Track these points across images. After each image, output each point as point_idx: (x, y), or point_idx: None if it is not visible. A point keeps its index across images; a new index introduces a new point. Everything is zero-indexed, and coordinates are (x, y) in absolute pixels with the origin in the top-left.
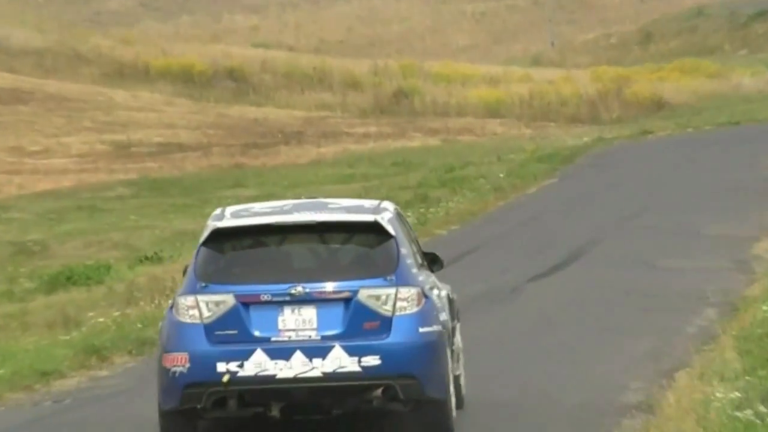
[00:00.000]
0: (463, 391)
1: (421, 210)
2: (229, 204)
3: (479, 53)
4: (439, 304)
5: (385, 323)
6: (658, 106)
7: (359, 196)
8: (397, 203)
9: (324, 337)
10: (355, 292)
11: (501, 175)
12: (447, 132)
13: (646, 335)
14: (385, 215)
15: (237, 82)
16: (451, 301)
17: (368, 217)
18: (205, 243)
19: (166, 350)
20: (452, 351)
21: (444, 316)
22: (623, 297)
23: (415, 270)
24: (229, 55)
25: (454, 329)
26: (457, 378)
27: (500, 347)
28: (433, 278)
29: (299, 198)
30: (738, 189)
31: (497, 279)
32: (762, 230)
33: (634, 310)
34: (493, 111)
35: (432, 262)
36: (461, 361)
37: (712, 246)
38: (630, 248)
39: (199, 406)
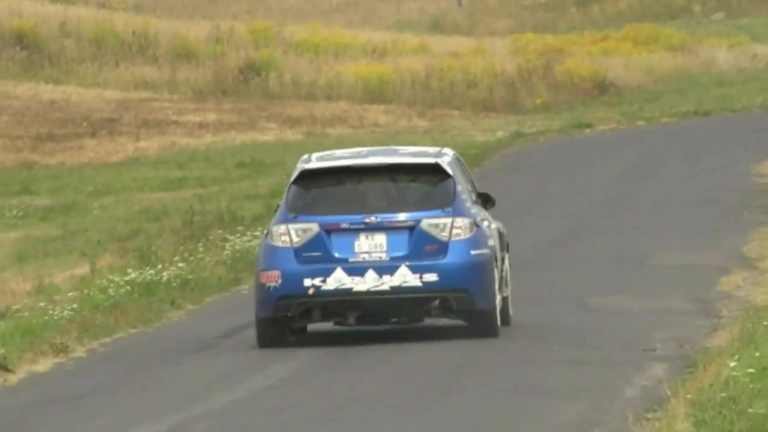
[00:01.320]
0: (510, 312)
1: None
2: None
3: (359, 14)
4: (488, 233)
5: (443, 247)
6: (601, 89)
7: (191, 207)
8: (241, 218)
9: (392, 258)
10: (418, 221)
11: None
12: (312, 122)
13: (573, 398)
14: (445, 159)
15: (27, 49)
16: (501, 234)
17: (430, 160)
18: (295, 182)
19: (262, 269)
20: (501, 275)
21: (492, 242)
22: (546, 346)
23: (468, 204)
24: (17, 12)
25: (503, 258)
26: (505, 299)
27: (379, 413)
28: (484, 213)
29: None
30: (705, 203)
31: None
32: (734, 259)
33: (559, 363)
34: (376, 94)
35: (485, 201)
36: (510, 286)
37: (667, 280)
38: (557, 281)
39: (289, 315)
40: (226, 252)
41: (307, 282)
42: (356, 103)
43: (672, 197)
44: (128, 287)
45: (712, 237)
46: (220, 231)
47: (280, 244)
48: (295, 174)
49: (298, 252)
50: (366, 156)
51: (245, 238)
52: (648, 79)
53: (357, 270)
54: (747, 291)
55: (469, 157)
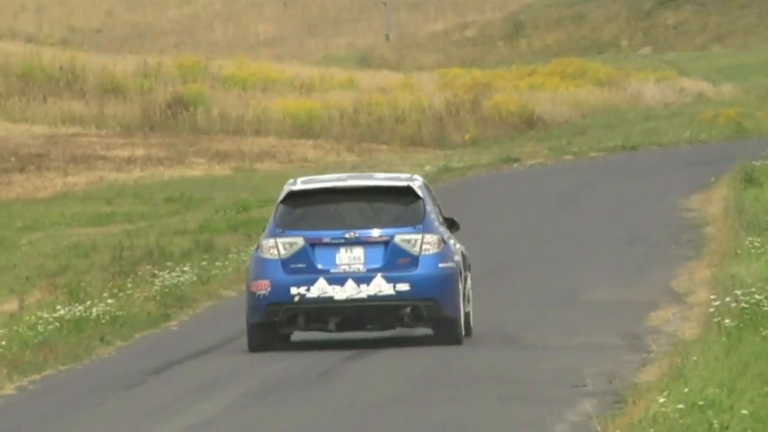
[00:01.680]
0: (472, 324)
1: (204, 263)
2: None
3: (287, 48)
4: (453, 249)
5: (414, 260)
6: (529, 123)
7: (120, 243)
8: (170, 253)
9: (369, 270)
10: (392, 237)
11: None
12: (241, 157)
13: None
14: (416, 183)
15: None
16: (463, 256)
17: (403, 183)
18: (283, 201)
19: (253, 279)
20: (464, 291)
21: (457, 258)
22: (472, 382)
23: (436, 224)
24: None
25: (466, 278)
26: (467, 314)
27: None
28: (449, 234)
29: None
30: (634, 238)
31: (305, 357)
32: (663, 294)
33: (486, 400)
34: (305, 129)
35: (451, 225)
36: (471, 302)
37: (596, 315)
38: (485, 317)
39: (276, 320)
40: (156, 288)
41: (294, 290)
42: (284, 138)
43: (601, 232)
44: (57, 324)
45: (640, 272)
46: (149, 266)
47: (269, 256)
48: (282, 194)
49: (285, 263)
50: (345, 180)
51: (174, 274)
52: (575, 113)
53: (337, 280)
54: (676, 326)
55: None
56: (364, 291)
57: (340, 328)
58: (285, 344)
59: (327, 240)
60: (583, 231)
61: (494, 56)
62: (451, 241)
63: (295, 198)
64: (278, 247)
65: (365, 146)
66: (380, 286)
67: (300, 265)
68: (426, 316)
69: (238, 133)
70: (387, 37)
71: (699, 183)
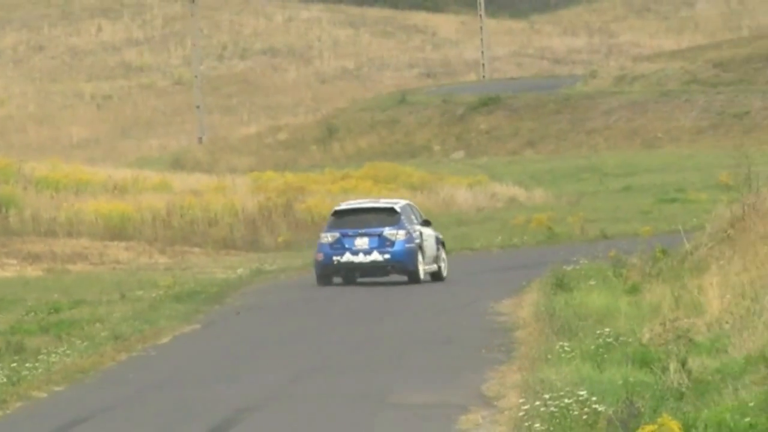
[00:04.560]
0: (444, 273)
1: (14, 365)
2: None
3: (100, 150)
4: (414, 236)
5: (392, 243)
6: None
7: None
8: None
9: (370, 248)
10: (382, 231)
11: (126, 317)
12: (53, 258)
13: None
14: (397, 205)
15: None
16: (437, 238)
17: (390, 205)
18: (332, 214)
19: (316, 252)
20: (435, 255)
21: (418, 240)
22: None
23: (407, 224)
24: None
25: (438, 248)
26: (439, 268)
27: None
28: (420, 228)
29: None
30: (445, 342)
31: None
32: (474, 397)
33: None
34: (117, 231)
35: (427, 223)
36: (445, 262)
37: (406, 418)
38: (293, 422)
39: (327, 273)
40: None
41: (334, 258)
42: (97, 240)
43: (413, 336)
44: None
45: (451, 375)
46: None
47: (324, 241)
48: (332, 211)
49: (331, 245)
50: (361, 203)
51: None
52: None
53: (355, 253)
54: (486, 429)
55: (209, 295)
56: (369, 258)
57: (360, 277)
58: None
59: (350, 234)
60: (395, 334)
61: (307, 160)
62: (416, 233)
63: (337, 213)
64: (327, 237)
65: (178, 248)
66: (376, 256)
67: (337, 246)
68: (399, 270)
69: (51, 235)
70: (200, 140)
71: (511, 287)
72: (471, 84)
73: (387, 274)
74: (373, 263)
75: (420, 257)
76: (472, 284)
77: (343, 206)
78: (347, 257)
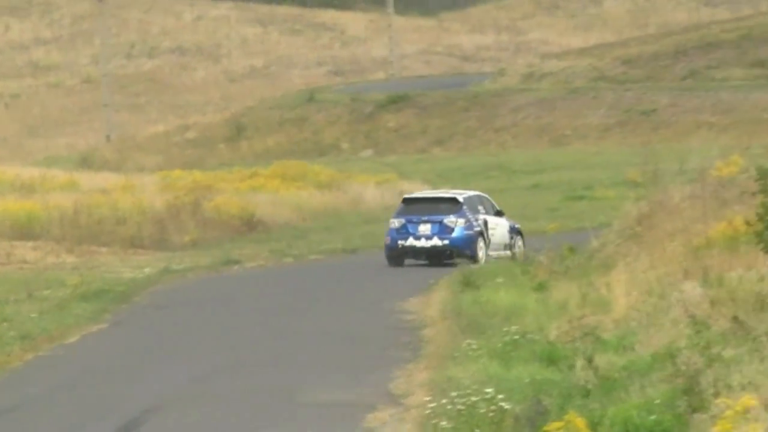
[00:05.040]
0: (519, 258)
1: None
2: None
3: (7, 149)
4: (476, 224)
5: (452, 229)
6: (250, 225)
7: None
8: None
9: (432, 234)
10: (443, 219)
11: (33, 316)
12: None
13: None
14: (460, 196)
15: None
16: (512, 227)
17: (452, 195)
18: (402, 201)
19: (386, 236)
20: (487, 241)
21: (478, 228)
22: None
23: (470, 214)
24: None
25: (513, 237)
26: (513, 254)
27: None
28: (490, 218)
29: None
30: (352, 340)
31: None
32: (381, 396)
33: None
34: (24, 230)
35: (498, 213)
36: (520, 249)
37: (313, 416)
38: (200, 422)
39: (394, 255)
40: None
41: (399, 242)
42: (4, 240)
43: (320, 334)
44: None
45: (359, 374)
46: None
47: (392, 226)
48: (402, 199)
49: (397, 230)
50: (427, 193)
51: None
52: (296, 215)
53: (418, 238)
54: (393, 427)
55: (117, 294)
56: (429, 243)
57: (426, 260)
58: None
59: (415, 220)
60: (303, 333)
61: (216, 158)
62: (480, 221)
63: (406, 201)
64: (395, 222)
65: (85, 248)
66: (436, 241)
67: (402, 231)
68: (459, 254)
69: None
70: (108, 139)
71: (418, 286)
72: (380, 82)
73: (449, 257)
74: (434, 248)
75: (481, 243)
76: (380, 283)
77: (412, 195)
78: (410, 242)
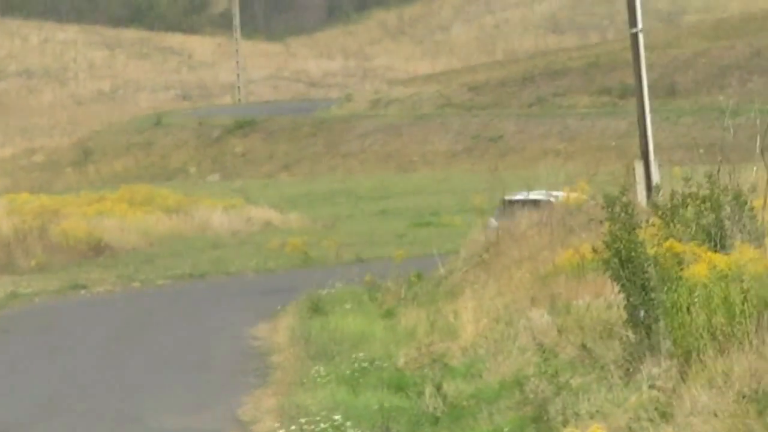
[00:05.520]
0: None
1: None
2: None
3: None
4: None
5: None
6: (97, 250)
7: None
8: None
9: None
10: (539, 200)
11: None
12: None
13: None
14: (551, 198)
15: None
16: None
17: (548, 198)
18: (501, 202)
19: (488, 223)
20: None
21: None
22: None
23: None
24: None
25: None
26: None
27: None
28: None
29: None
30: (200, 366)
31: None
32: (229, 421)
33: None
34: None
35: None
36: None
37: None
38: None
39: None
40: None
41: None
42: None
43: (167, 359)
44: None
45: (205, 400)
46: None
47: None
48: (500, 200)
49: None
50: (519, 195)
51: None
52: (144, 240)
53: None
54: None
55: None
56: None
57: None
58: None
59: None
60: (149, 358)
61: (63, 182)
62: None
63: (504, 202)
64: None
65: None
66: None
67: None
68: None
69: None
70: None
71: (266, 312)
72: (227, 107)
73: None
74: None
75: None
76: (227, 308)
77: (511, 197)
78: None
